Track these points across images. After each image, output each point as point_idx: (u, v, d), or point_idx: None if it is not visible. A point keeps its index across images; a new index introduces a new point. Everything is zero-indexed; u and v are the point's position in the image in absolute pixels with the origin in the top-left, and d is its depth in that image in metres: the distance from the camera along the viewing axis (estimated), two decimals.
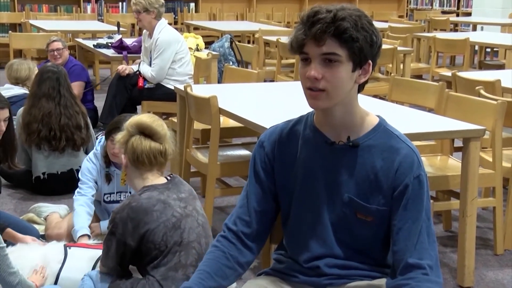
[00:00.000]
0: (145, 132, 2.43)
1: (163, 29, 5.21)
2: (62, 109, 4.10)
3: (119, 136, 2.48)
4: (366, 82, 1.75)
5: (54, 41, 5.67)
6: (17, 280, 2.50)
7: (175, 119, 4.28)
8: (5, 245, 2.50)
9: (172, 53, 5.19)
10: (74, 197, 3.37)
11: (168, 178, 2.49)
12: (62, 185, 4.12)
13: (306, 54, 1.67)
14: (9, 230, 3.08)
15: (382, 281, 1.78)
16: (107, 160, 3.38)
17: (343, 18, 1.62)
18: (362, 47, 1.64)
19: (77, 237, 3.17)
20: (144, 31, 5.40)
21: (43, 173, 4.15)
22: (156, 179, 2.45)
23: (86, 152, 4.16)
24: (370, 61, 1.69)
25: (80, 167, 3.53)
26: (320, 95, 1.67)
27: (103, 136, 3.35)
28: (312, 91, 1.67)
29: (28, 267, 2.71)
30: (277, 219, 1.93)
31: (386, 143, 1.75)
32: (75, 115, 4.14)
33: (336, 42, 1.63)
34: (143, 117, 2.46)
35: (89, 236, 3.19)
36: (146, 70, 5.26)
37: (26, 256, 2.77)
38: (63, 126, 4.08)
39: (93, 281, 2.49)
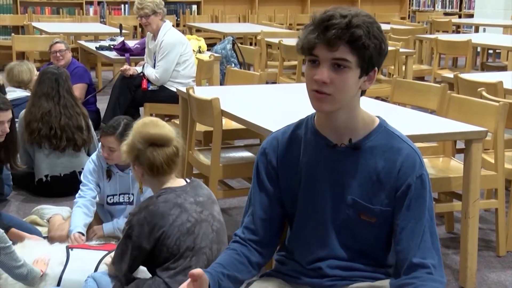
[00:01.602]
0: (157, 143, 2.39)
1: (168, 31, 5.21)
2: (62, 109, 4.13)
3: (125, 148, 2.44)
4: None
5: (56, 42, 5.68)
6: (26, 271, 2.59)
7: (177, 121, 4.28)
8: (10, 243, 2.58)
9: (176, 55, 5.19)
10: (74, 199, 3.39)
11: (187, 180, 2.49)
12: (65, 187, 4.13)
13: (315, 56, 1.67)
14: (14, 230, 3.12)
15: (384, 283, 1.79)
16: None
17: (358, 25, 1.62)
18: (371, 55, 1.65)
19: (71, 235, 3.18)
20: (148, 33, 5.41)
21: (46, 176, 4.16)
22: (174, 180, 2.44)
23: (88, 154, 4.18)
24: (376, 68, 1.70)
25: (82, 169, 3.54)
26: (325, 98, 1.68)
27: None
28: (317, 93, 1.68)
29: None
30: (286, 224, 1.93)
31: (388, 143, 1.76)
32: (75, 115, 4.17)
33: (348, 49, 1.63)
34: (149, 128, 2.39)
35: (82, 234, 3.19)
36: (150, 72, 5.26)
37: (27, 254, 2.79)
38: (63, 126, 4.10)
39: (96, 282, 2.50)
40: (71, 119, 4.14)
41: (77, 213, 3.30)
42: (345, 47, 1.63)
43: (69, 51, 5.72)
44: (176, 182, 2.45)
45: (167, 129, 2.42)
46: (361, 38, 1.62)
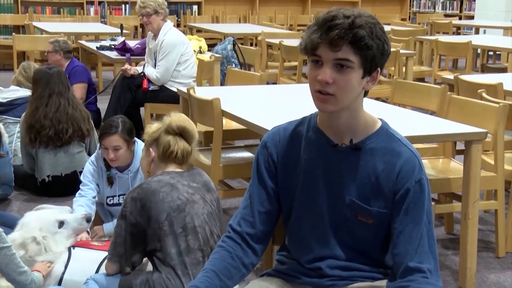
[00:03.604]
0: (184, 135, 2.56)
1: (169, 31, 5.22)
2: (69, 101, 4.19)
3: (152, 129, 2.58)
4: None
5: (50, 43, 5.76)
6: (29, 279, 2.52)
7: None
8: (11, 244, 2.52)
9: (177, 55, 5.20)
10: (74, 198, 3.39)
11: (186, 169, 2.59)
12: (66, 187, 4.15)
13: (318, 57, 1.67)
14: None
15: (384, 283, 1.79)
16: (107, 163, 3.39)
17: (360, 26, 1.62)
18: (374, 55, 1.66)
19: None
20: (149, 33, 5.42)
21: (48, 176, 4.17)
22: (175, 169, 2.56)
23: (89, 154, 4.19)
24: (379, 69, 1.71)
25: (83, 168, 3.55)
26: (328, 99, 1.68)
27: None
28: (321, 94, 1.68)
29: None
30: (279, 219, 1.94)
31: (388, 146, 1.76)
32: (79, 106, 4.27)
33: (351, 49, 1.64)
34: (184, 121, 2.57)
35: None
36: (150, 71, 5.27)
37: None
38: (70, 117, 4.15)
39: (98, 284, 2.48)
40: (76, 110, 4.21)
41: (79, 211, 3.30)
42: (348, 47, 1.63)
43: (58, 54, 5.67)
44: (175, 170, 2.56)
45: (196, 130, 2.61)
46: (364, 38, 1.63)
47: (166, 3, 5.27)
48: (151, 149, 2.58)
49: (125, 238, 2.41)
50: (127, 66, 5.41)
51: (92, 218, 3.35)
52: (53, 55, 5.65)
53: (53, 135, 4.11)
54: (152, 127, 2.60)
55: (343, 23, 1.62)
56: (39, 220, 2.86)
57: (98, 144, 3.49)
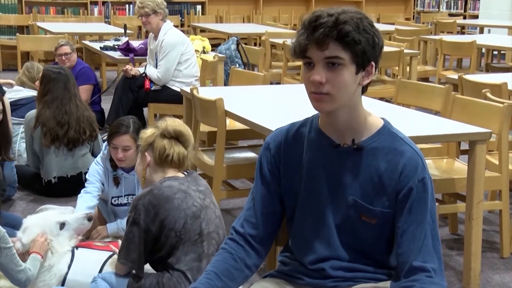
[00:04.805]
0: (179, 139, 2.54)
1: (168, 31, 5.23)
2: (79, 102, 4.21)
3: (147, 134, 2.55)
4: (369, 83, 1.75)
5: (62, 45, 5.69)
6: (25, 277, 2.60)
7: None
8: (12, 244, 2.58)
9: (177, 54, 5.20)
10: (79, 195, 3.39)
11: (185, 173, 2.57)
12: (71, 188, 4.15)
13: (309, 58, 1.68)
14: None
15: (388, 284, 1.79)
16: (114, 164, 3.39)
17: (345, 22, 1.62)
18: (364, 50, 1.65)
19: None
20: (150, 33, 5.43)
21: (54, 177, 4.18)
22: (176, 173, 2.54)
23: (93, 154, 4.20)
24: (372, 63, 1.70)
25: (88, 170, 3.55)
26: (324, 98, 1.68)
27: None
28: (316, 94, 1.68)
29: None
30: (283, 221, 1.94)
31: (391, 145, 1.76)
32: (87, 106, 4.29)
33: (339, 46, 1.63)
34: (179, 125, 2.57)
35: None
36: (152, 72, 5.28)
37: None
38: (87, 117, 4.18)
39: (107, 282, 2.48)
40: (87, 110, 4.24)
41: (81, 205, 3.31)
42: (335, 44, 1.63)
43: (75, 53, 5.72)
44: (177, 174, 2.55)
45: (191, 134, 2.61)
46: (351, 33, 1.62)
47: (165, 3, 5.27)
48: (146, 153, 2.55)
49: (138, 244, 2.38)
50: (128, 66, 5.42)
51: (93, 212, 3.34)
52: (72, 55, 5.65)
53: (74, 136, 4.12)
54: (146, 132, 2.57)
55: (327, 21, 1.62)
56: (40, 225, 2.84)
57: (104, 144, 3.50)
